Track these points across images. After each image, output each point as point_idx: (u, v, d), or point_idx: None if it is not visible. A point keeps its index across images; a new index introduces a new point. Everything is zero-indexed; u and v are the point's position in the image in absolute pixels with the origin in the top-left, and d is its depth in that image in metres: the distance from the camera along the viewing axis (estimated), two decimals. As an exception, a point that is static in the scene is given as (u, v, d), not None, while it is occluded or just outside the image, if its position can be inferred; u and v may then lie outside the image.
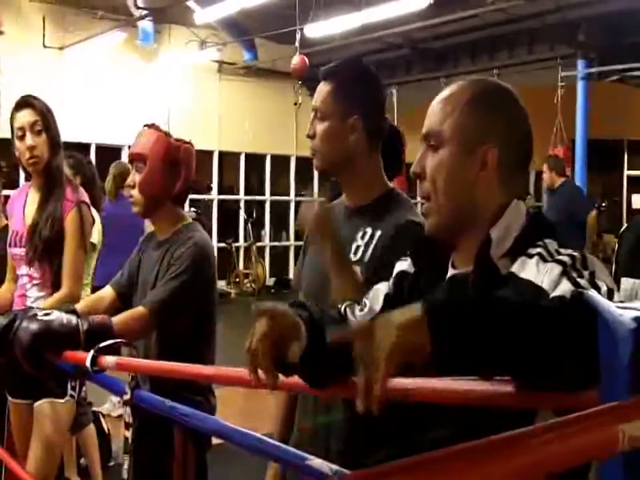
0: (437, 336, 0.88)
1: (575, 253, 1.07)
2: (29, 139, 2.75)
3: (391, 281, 1.37)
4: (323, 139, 1.84)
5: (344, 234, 1.79)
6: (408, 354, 0.89)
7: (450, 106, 1.22)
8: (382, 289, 1.37)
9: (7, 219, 3.11)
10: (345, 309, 1.36)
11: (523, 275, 1.08)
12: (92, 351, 1.92)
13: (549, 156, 7.16)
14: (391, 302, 1.32)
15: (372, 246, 1.75)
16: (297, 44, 9.39)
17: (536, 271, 1.07)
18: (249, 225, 12.60)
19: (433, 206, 1.23)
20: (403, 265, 1.36)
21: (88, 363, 1.91)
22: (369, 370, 0.88)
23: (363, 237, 1.77)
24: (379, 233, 1.75)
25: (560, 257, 1.07)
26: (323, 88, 1.85)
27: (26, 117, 2.76)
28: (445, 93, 1.25)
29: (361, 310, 1.35)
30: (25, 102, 2.80)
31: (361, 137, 1.81)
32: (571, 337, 0.85)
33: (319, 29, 9.12)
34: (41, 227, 2.74)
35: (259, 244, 12.76)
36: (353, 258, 1.77)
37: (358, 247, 1.77)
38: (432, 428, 1.15)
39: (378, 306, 1.34)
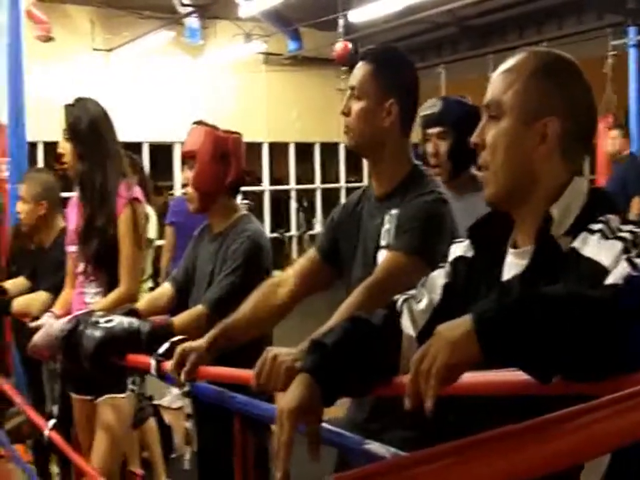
0: (487, 348, 0.91)
1: (637, 230, 1.06)
2: (60, 145, 2.76)
3: (447, 266, 1.36)
4: (357, 118, 1.83)
5: (375, 223, 1.81)
6: (462, 369, 0.94)
7: (512, 77, 1.22)
8: (439, 277, 1.36)
9: (65, 220, 3.14)
10: (402, 304, 1.35)
11: (585, 252, 1.07)
12: (154, 359, 1.96)
13: (613, 122, 6.84)
14: (450, 290, 1.33)
15: (394, 227, 1.77)
16: (340, 30, 9.35)
17: (597, 249, 1.06)
18: (300, 213, 12.64)
19: (490, 175, 1.22)
20: (459, 248, 1.35)
21: (153, 371, 1.96)
22: (421, 381, 0.95)
23: (390, 221, 1.78)
24: (400, 212, 1.77)
25: (621, 234, 1.06)
26: (362, 67, 1.85)
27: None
28: (509, 63, 1.25)
29: (419, 302, 1.34)
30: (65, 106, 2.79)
31: (396, 121, 1.81)
32: (624, 325, 0.86)
33: (362, 13, 9.05)
34: (94, 224, 2.71)
35: (310, 232, 12.79)
36: (383, 243, 1.79)
37: (387, 230, 1.79)
38: (486, 407, 1.15)
39: (437, 296, 1.34)
